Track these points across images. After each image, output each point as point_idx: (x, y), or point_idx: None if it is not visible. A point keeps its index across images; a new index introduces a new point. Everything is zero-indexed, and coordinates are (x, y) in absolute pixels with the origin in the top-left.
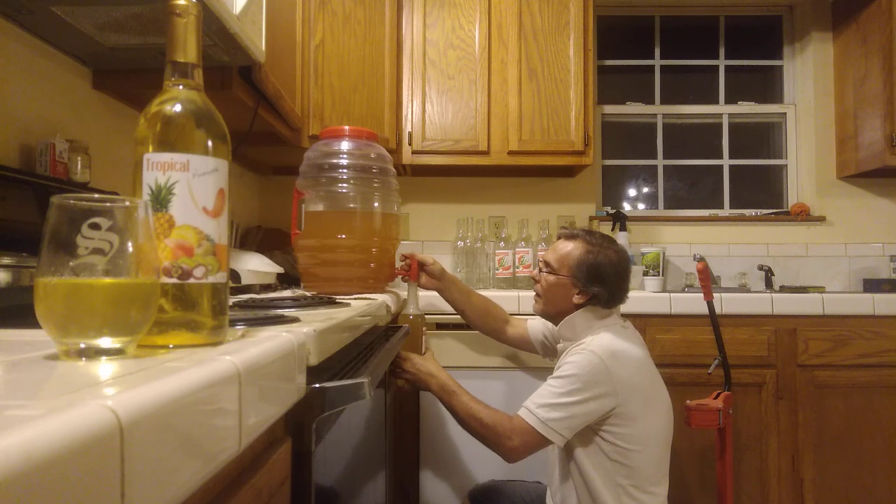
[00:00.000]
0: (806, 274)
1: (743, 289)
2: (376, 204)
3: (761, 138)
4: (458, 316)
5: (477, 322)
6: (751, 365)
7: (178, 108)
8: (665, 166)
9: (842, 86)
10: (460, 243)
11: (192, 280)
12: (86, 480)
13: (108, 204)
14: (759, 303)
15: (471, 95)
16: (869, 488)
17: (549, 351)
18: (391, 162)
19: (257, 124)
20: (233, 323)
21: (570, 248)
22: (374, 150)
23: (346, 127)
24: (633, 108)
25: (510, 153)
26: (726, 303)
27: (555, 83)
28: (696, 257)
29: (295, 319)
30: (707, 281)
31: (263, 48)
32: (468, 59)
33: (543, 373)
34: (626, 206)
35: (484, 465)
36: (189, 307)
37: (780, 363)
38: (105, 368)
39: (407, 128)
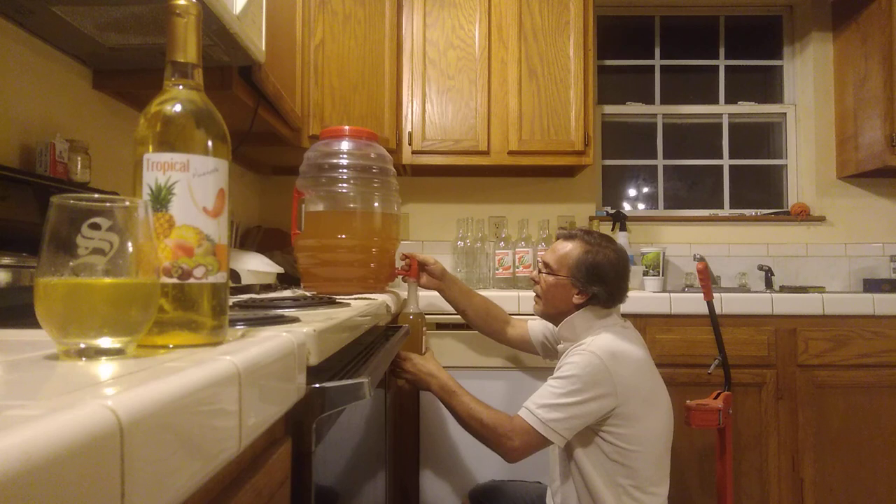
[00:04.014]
0: (806, 274)
1: (743, 289)
2: (376, 204)
3: (761, 138)
4: (459, 316)
5: (477, 322)
6: (751, 365)
7: (178, 108)
8: (665, 166)
9: (842, 86)
10: (460, 243)
11: (192, 280)
12: (86, 480)
13: (108, 204)
14: (759, 303)
15: (471, 95)
16: (869, 488)
17: (550, 352)
18: (391, 162)
19: (257, 124)
20: (233, 323)
21: (568, 248)
22: (374, 150)
23: (346, 127)
24: (633, 108)
25: (510, 153)
26: (726, 303)
27: (555, 83)
28: (696, 257)
29: (295, 319)
30: (707, 281)
31: (263, 48)
32: (468, 59)
33: (543, 373)
34: (626, 206)
35: (484, 465)
36: (189, 307)
37: (780, 363)
38: (105, 368)
39: (407, 128)
